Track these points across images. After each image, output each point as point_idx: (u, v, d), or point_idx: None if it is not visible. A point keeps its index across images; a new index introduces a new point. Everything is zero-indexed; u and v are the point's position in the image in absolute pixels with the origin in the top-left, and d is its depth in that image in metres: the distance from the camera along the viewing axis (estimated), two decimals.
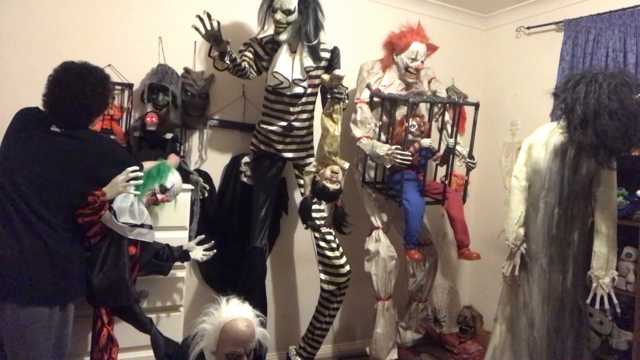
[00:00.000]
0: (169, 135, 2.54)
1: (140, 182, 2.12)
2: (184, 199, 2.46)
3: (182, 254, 2.35)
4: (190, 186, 2.53)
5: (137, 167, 2.11)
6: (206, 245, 2.46)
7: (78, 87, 1.89)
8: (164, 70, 2.61)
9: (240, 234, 2.83)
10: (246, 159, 2.87)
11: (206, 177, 2.85)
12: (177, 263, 2.41)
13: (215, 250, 2.48)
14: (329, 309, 2.79)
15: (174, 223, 2.44)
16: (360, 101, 2.96)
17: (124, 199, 2.10)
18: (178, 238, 2.43)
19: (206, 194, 2.70)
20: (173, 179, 2.27)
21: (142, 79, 2.68)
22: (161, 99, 2.53)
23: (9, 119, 1.93)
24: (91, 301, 2.06)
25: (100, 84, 1.96)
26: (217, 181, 2.94)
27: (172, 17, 2.77)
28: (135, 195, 2.11)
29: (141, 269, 2.21)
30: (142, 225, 2.14)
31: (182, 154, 2.74)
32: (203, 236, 2.48)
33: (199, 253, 2.43)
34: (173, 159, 2.45)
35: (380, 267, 2.99)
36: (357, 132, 2.93)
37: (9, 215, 1.82)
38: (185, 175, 2.58)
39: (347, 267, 2.73)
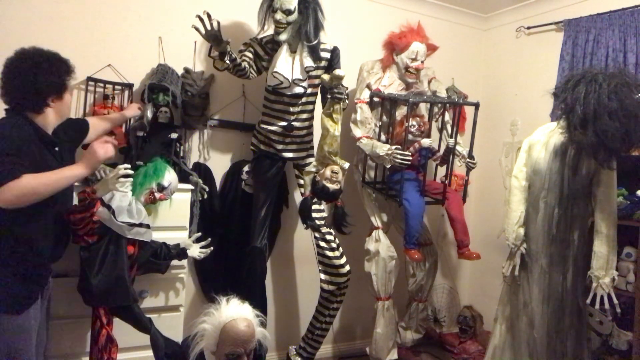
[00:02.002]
0: (174, 135, 2.55)
1: (131, 180, 2.11)
2: (184, 199, 2.47)
3: (180, 252, 2.36)
4: (190, 186, 2.53)
5: (128, 165, 2.07)
6: (203, 243, 2.48)
7: (18, 68, 1.82)
8: (164, 70, 2.61)
9: (240, 234, 2.82)
10: (247, 167, 2.87)
11: (207, 171, 2.84)
12: (178, 263, 2.43)
13: (212, 248, 2.49)
14: (329, 309, 2.79)
15: (174, 223, 2.44)
16: (360, 101, 2.96)
17: (123, 198, 2.11)
18: (178, 238, 2.44)
19: (205, 196, 2.70)
20: (170, 177, 2.29)
21: (142, 79, 2.68)
22: (161, 99, 2.53)
23: None
24: (90, 301, 2.06)
25: (45, 61, 1.86)
26: (217, 177, 2.93)
27: (172, 17, 2.77)
28: (129, 193, 2.12)
29: (139, 268, 2.21)
30: (140, 225, 2.15)
31: (182, 154, 2.74)
32: (200, 234, 2.49)
33: (195, 250, 2.44)
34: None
35: (380, 267, 2.99)
36: (357, 132, 2.93)
37: None
38: (185, 177, 2.58)
39: (347, 267, 2.73)
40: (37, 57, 1.84)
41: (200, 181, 2.64)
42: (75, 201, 2.10)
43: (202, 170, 2.82)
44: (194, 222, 2.66)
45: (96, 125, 2.27)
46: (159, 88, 2.52)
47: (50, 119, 1.89)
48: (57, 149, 1.93)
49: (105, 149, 1.75)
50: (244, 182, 2.87)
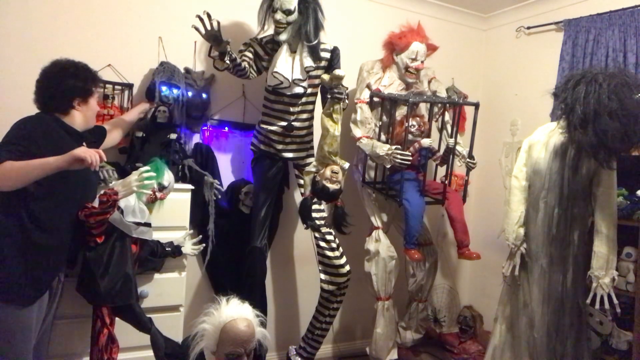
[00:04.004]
0: (173, 136, 2.55)
1: (154, 182, 2.16)
2: (184, 199, 2.47)
3: (174, 250, 2.38)
4: (190, 186, 2.53)
5: (148, 167, 2.15)
6: (194, 240, 2.51)
7: (48, 73, 1.99)
8: (171, 68, 2.61)
9: (234, 261, 2.83)
10: (246, 189, 2.87)
11: (208, 151, 2.83)
12: (179, 263, 2.44)
13: (204, 245, 2.54)
14: (329, 309, 2.79)
15: (174, 223, 2.45)
16: (360, 101, 2.96)
17: (129, 197, 2.12)
18: (177, 238, 2.45)
19: (219, 196, 2.71)
20: (168, 177, 2.32)
21: (145, 76, 2.68)
22: (171, 98, 2.53)
23: (10, 119, 1.92)
24: (95, 301, 2.06)
25: (72, 67, 2.01)
26: (218, 160, 2.92)
27: (172, 17, 2.77)
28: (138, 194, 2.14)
29: (139, 267, 2.23)
30: (144, 224, 2.17)
31: (189, 153, 2.76)
32: (191, 231, 2.52)
33: (188, 247, 2.46)
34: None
35: (380, 267, 2.99)
36: (357, 132, 2.93)
37: None
38: (200, 176, 2.61)
39: (347, 267, 2.73)
40: (66, 64, 2.02)
41: (216, 181, 2.66)
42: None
43: (204, 151, 2.81)
44: (210, 220, 2.67)
45: (112, 131, 2.36)
46: (169, 86, 2.52)
47: (77, 121, 2.02)
48: (85, 145, 2.02)
49: (88, 153, 1.78)
50: (242, 202, 2.87)
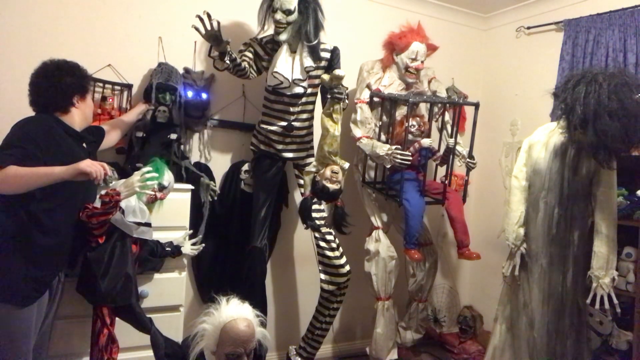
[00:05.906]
0: (173, 136, 2.55)
1: (156, 183, 2.16)
2: (184, 199, 2.47)
3: (174, 250, 2.39)
4: (189, 186, 2.53)
5: (150, 168, 2.16)
6: (194, 240, 2.51)
7: (44, 73, 1.99)
8: (169, 69, 2.61)
9: (240, 235, 2.82)
10: (246, 167, 2.87)
11: (207, 171, 2.84)
12: (178, 263, 2.44)
13: (203, 245, 2.53)
14: (329, 309, 2.80)
15: (174, 223, 2.45)
16: (360, 101, 2.96)
17: (130, 197, 2.12)
18: (178, 238, 2.45)
19: (215, 198, 2.71)
20: (168, 177, 2.32)
21: (144, 76, 2.68)
22: (168, 99, 2.53)
23: (10, 119, 1.92)
24: (96, 301, 2.06)
25: (65, 64, 2.02)
26: (217, 177, 2.92)
27: (172, 17, 2.77)
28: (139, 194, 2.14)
29: (139, 267, 2.23)
30: (144, 224, 2.17)
31: (186, 154, 2.76)
32: (191, 231, 2.52)
33: (188, 247, 2.47)
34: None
35: (380, 267, 2.99)
36: (357, 132, 2.93)
37: None
38: (195, 178, 2.61)
39: (347, 267, 2.73)
40: (59, 62, 2.02)
41: (212, 183, 2.65)
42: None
43: (203, 171, 2.81)
44: (203, 222, 2.68)
45: (111, 132, 2.37)
46: (166, 87, 2.52)
47: (76, 119, 2.03)
48: (85, 145, 2.06)
49: (93, 167, 1.82)
50: (243, 182, 2.87)
